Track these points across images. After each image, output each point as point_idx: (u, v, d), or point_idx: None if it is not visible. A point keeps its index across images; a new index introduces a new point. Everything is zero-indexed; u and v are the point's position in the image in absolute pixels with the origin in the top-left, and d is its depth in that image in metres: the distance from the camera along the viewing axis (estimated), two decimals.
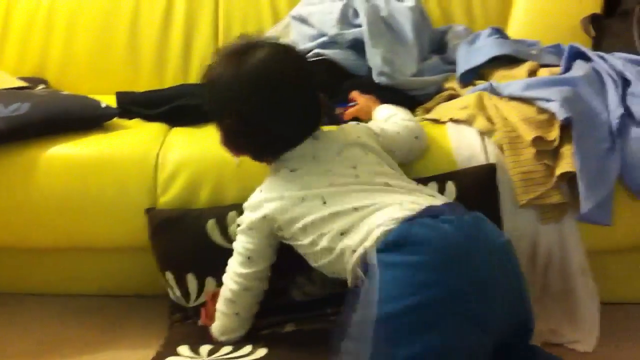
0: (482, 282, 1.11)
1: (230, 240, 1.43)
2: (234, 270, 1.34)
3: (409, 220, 1.15)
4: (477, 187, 1.46)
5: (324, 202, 1.26)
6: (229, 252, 1.40)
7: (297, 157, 1.33)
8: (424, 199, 1.24)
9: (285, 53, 1.34)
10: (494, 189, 1.46)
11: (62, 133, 1.60)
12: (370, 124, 1.46)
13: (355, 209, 1.23)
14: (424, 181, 1.43)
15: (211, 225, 1.46)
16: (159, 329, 1.52)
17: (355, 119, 1.59)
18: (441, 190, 1.43)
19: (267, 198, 1.31)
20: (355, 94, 1.66)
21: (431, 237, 1.12)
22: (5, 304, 1.70)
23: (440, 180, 1.45)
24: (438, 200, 1.25)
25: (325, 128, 1.38)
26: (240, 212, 1.37)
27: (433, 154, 1.52)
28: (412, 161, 1.48)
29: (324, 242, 1.24)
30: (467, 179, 1.46)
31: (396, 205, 1.20)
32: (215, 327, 1.37)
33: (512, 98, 1.55)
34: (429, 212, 1.17)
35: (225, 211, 1.47)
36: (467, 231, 1.14)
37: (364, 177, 1.28)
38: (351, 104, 1.65)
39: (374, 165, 1.32)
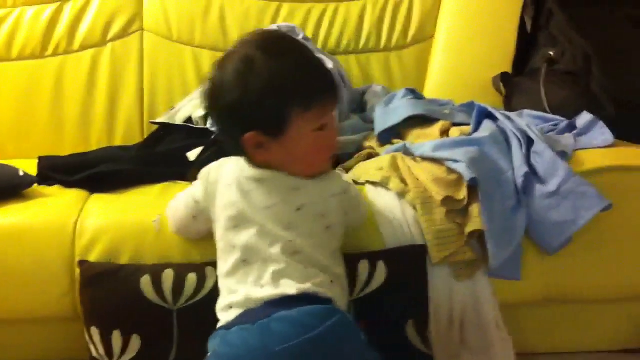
0: None
1: (164, 298, 1.45)
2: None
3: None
4: (407, 268, 1.49)
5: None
6: (160, 310, 1.44)
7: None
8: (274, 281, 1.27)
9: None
10: (423, 269, 1.49)
11: None
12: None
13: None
14: (355, 259, 1.46)
15: (145, 281, 1.46)
16: None
17: None
18: (372, 269, 1.46)
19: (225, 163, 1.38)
20: None
21: (224, 354, 1.23)
22: None
23: (372, 260, 1.47)
24: (284, 287, 1.26)
25: None
26: (177, 271, 1.45)
27: None
28: None
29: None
30: (397, 259, 1.49)
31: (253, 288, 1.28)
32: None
33: (424, 158, 1.61)
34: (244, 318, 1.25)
35: (161, 268, 1.47)
36: (250, 343, 1.21)
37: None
38: None
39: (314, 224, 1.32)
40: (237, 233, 1.32)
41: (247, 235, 1.30)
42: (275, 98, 1.23)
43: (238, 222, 1.32)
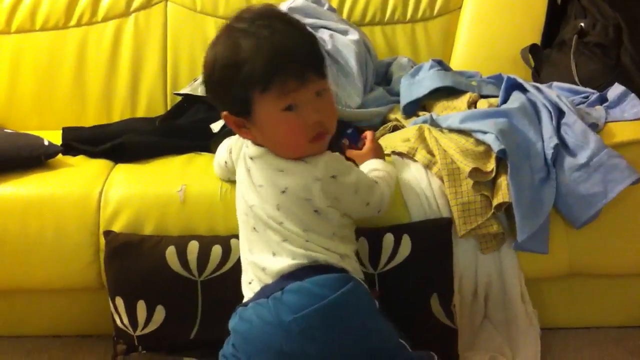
0: None
1: (189, 269, 1.45)
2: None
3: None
4: (432, 241, 1.48)
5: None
6: (185, 281, 1.45)
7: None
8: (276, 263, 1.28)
9: None
10: (448, 242, 1.48)
11: (4, 172, 1.59)
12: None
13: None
14: (380, 233, 1.44)
15: (170, 252, 1.46)
16: None
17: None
18: (397, 243, 1.45)
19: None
20: (369, 136, 1.54)
21: (241, 330, 1.26)
22: None
23: (397, 233, 1.46)
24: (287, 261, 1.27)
25: None
26: (202, 243, 1.46)
27: None
28: None
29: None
30: (422, 233, 1.47)
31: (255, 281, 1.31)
32: None
33: (451, 130, 1.58)
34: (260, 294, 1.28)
35: (186, 240, 1.48)
36: (264, 316, 1.23)
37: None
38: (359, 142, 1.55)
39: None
40: (245, 203, 1.33)
41: (250, 206, 1.32)
42: (232, 78, 1.22)
43: (243, 194, 1.34)
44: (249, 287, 1.32)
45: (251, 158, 1.32)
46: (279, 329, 1.21)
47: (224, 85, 1.24)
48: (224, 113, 1.28)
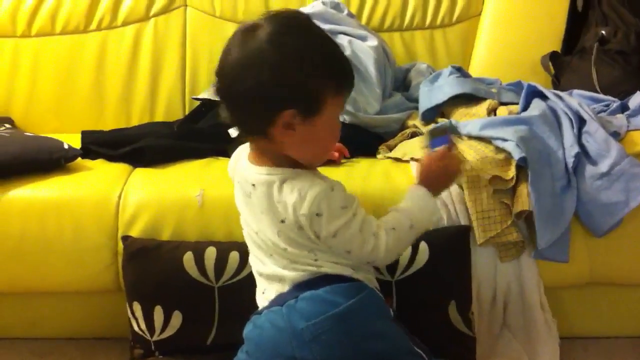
0: None
1: (207, 275, 1.45)
2: None
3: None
4: (451, 249, 1.47)
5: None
6: (202, 287, 1.45)
7: None
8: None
9: None
10: (467, 250, 1.47)
11: (24, 175, 1.59)
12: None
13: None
14: None
15: (188, 257, 1.46)
16: None
17: None
18: (414, 250, 1.44)
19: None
20: (443, 152, 1.37)
21: (254, 337, 1.27)
22: None
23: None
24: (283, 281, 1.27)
25: None
26: (220, 249, 1.46)
27: (398, 193, 1.41)
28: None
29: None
30: (440, 240, 1.46)
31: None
32: None
33: (470, 137, 1.57)
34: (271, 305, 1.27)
35: (203, 246, 1.48)
36: (277, 323, 1.23)
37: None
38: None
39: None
40: (248, 226, 1.31)
41: (255, 232, 1.28)
42: (315, 71, 1.15)
43: (246, 218, 1.31)
44: (263, 297, 1.31)
45: (253, 185, 1.25)
46: (292, 335, 1.21)
47: (301, 76, 1.15)
48: (288, 112, 1.15)
